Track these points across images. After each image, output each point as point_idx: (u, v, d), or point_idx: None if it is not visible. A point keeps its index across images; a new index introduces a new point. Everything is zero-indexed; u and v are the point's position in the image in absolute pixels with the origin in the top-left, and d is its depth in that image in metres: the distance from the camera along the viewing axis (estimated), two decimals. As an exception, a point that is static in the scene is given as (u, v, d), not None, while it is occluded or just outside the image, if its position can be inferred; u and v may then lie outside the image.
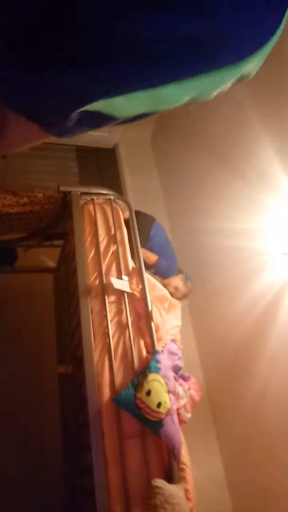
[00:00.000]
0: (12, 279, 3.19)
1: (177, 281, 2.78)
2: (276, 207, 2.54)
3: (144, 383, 1.70)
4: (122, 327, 1.98)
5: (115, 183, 4.16)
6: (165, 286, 2.49)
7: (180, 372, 2.06)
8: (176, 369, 2.03)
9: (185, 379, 2.02)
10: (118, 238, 2.26)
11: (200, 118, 3.54)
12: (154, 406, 1.65)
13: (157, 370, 1.77)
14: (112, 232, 2.28)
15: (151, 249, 2.73)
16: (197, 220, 3.51)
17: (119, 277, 2.12)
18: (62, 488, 2.42)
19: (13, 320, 3.00)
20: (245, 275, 2.71)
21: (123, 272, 2.14)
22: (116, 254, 2.20)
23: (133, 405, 1.67)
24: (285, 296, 2.44)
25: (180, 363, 2.06)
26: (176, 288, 2.72)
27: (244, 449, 2.77)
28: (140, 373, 1.79)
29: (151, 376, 1.73)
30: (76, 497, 2.11)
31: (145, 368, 1.78)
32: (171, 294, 2.47)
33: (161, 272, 2.77)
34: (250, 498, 2.68)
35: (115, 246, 2.24)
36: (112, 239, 2.26)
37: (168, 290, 2.49)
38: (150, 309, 1.98)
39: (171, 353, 1.99)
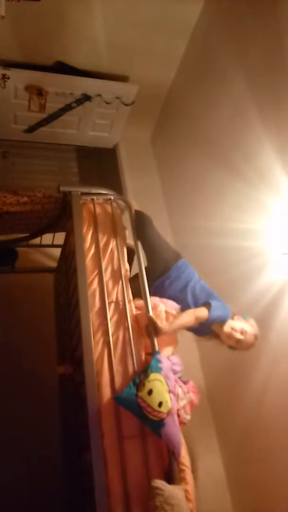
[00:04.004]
0: (12, 279, 3.19)
1: (237, 324, 2.05)
2: (276, 207, 2.54)
3: (145, 382, 1.70)
4: (121, 326, 1.98)
5: (115, 183, 4.16)
6: (228, 337, 2.03)
7: (179, 375, 2.05)
8: (174, 372, 2.02)
9: (184, 382, 2.01)
10: (118, 238, 2.26)
11: (200, 118, 3.54)
12: (155, 406, 1.65)
13: (159, 370, 1.77)
14: (112, 232, 2.28)
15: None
16: (197, 220, 3.51)
17: (116, 278, 2.12)
18: (62, 488, 2.42)
19: (13, 320, 3.00)
20: (245, 275, 2.71)
21: (117, 273, 2.14)
22: (112, 255, 2.21)
23: (134, 404, 1.66)
24: (285, 296, 2.44)
25: (179, 371, 2.05)
26: (242, 332, 2.01)
27: (244, 449, 2.77)
28: (141, 372, 1.78)
29: (153, 376, 1.73)
30: (76, 497, 2.11)
31: (147, 367, 1.78)
32: (237, 343, 2.02)
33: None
34: (250, 498, 2.68)
35: (115, 246, 2.24)
36: (111, 239, 2.26)
37: (231, 343, 2.04)
38: (150, 311, 1.98)
39: (174, 363, 1.99)
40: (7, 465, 2.50)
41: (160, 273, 2.24)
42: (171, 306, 2.10)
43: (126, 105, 3.87)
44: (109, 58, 3.59)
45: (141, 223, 2.31)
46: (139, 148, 4.51)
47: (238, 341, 2.01)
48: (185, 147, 3.87)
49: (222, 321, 2.06)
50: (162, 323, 1.93)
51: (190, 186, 3.77)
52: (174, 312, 2.07)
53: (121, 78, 3.77)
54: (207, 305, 2.05)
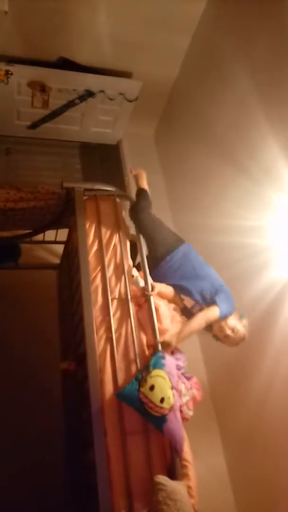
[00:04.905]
0: (15, 276, 3.19)
1: (232, 321, 2.09)
2: (280, 204, 2.52)
3: (147, 378, 1.70)
4: (124, 322, 1.98)
5: (118, 180, 4.15)
6: (219, 329, 2.08)
7: (183, 371, 2.05)
8: (178, 368, 2.03)
9: (187, 378, 2.02)
10: (121, 234, 2.26)
11: (204, 115, 3.52)
12: (157, 401, 1.65)
13: (162, 366, 1.77)
14: (114, 228, 2.28)
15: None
16: (201, 217, 3.50)
17: (119, 274, 2.12)
18: (64, 484, 2.43)
19: (17, 316, 3.01)
20: (249, 272, 2.70)
21: (120, 268, 2.14)
22: (115, 251, 2.20)
23: (136, 400, 1.67)
24: (289, 293, 2.43)
25: (183, 366, 2.06)
26: (234, 330, 2.07)
27: (247, 446, 2.77)
28: (144, 369, 1.79)
29: (155, 372, 1.73)
30: (79, 493, 2.11)
31: (149, 364, 1.78)
32: (224, 338, 2.09)
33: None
34: (253, 494, 2.68)
35: (118, 242, 2.23)
36: (114, 235, 2.26)
37: (220, 335, 2.10)
38: (153, 305, 1.98)
39: (178, 358, 1.99)
40: (9, 462, 2.51)
41: (159, 258, 2.24)
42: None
43: (130, 101, 3.86)
44: (113, 54, 3.58)
45: (135, 209, 2.32)
46: (143, 145, 4.50)
47: (226, 336, 2.09)
48: (188, 143, 3.85)
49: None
50: (171, 337, 1.96)
51: (193, 183, 3.76)
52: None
53: (125, 74, 3.76)
54: (215, 303, 2.07)
